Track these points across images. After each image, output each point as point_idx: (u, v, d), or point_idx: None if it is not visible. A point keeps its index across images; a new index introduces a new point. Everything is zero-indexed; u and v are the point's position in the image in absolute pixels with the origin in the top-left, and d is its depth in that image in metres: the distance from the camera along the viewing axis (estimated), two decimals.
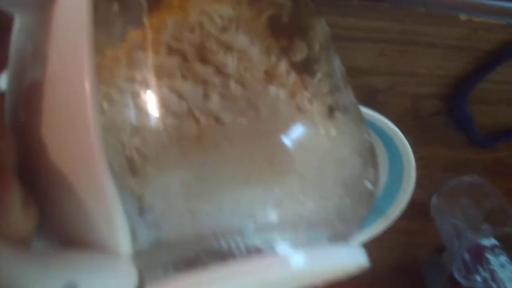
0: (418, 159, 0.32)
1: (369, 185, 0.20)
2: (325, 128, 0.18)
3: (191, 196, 0.16)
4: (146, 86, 0.16)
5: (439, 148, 0.38)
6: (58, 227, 0.15)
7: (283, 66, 0.17)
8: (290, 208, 0.17)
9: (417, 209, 0.38)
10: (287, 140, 0.17)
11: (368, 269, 0.19)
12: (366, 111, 0.28)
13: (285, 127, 0.17)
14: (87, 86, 0.13)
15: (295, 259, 0.16)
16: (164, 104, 0.16)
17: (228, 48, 0.16)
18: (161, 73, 0.16)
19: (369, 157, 0.21)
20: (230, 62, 0.16)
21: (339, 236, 0.19)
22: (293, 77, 0.18)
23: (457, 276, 0.32)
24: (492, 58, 0.34)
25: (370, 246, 0.19)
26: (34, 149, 0.14)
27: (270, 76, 0.17)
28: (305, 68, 0.19)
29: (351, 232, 0.19)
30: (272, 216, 0.17)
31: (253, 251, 0.17)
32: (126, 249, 0.15)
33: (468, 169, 0.39)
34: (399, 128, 0.31)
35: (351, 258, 0.17)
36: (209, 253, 0.17)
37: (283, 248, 0.17)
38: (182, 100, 0.16)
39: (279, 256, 0.16)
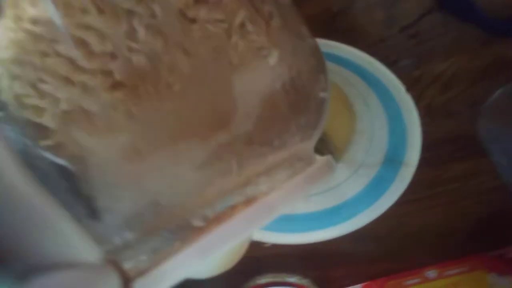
0: (431, 81, 0.29)
1: (322, 94, 0.21)
2: (267, 54, 0.18)
3: (132, 161, 0.15)
4: (57, 27, 0.13)
5: (452, 56, 0.30)
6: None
7: None
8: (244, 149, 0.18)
9: (461, 144, 0.34)
10: (231, 77, 0.16)
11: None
12: (330, 44, 0.25)
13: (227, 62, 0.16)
14: None
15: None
16: (84, 47, 0.14)
17: None
18: (71, 11, 0.13)
19: (316, 64, 0.21)
20: None
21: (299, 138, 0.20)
22: None
23: None
24: None
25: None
26: None
27: None
28: None
29: (311, 136, 0.21)
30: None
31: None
32: (93, 255, 0.14)
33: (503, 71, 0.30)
34: (383, 53, 0.27)
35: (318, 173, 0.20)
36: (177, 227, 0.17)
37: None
38: (105, 40, 0.14)
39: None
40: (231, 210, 0.18)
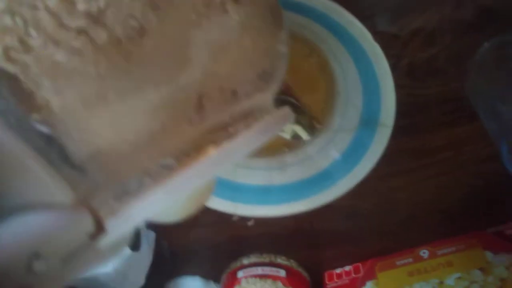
0: (411, 37, 0.27)
1: (281, 48, 0.22)
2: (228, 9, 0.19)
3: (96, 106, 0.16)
4: None
5: (432, 7, 0.28)
6: None
7: None
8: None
9: (450, 107, 0.31)
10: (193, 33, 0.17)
11: None
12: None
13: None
14: None
15: None
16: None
17: None
18: None
19: (275, 19, 0.21)
20: None
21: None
22: None
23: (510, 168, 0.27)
24: None
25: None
26: None
27: None
28: None
29: (269, 87, 0.22)
30: None
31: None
32: (66, 197, 0.15)
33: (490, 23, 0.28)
34: (357, 7, 0.25)
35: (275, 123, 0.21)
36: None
37: None
38: None
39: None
40: (197, 153, 0.19)
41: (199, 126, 0.20)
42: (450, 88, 0.32)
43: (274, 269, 0.42)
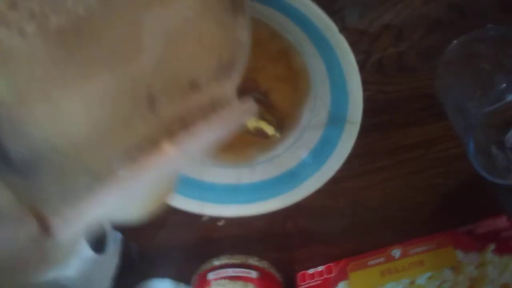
0: (380, 32, 0.26)
1: (240, 34, 0.21)
2: None
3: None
4: None
5: (401, 1, 0.28)
6: None
7: None
8: None
9: (421, 104, 0.31)
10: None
11: None
12: None
13: None
14: None
15: None
16: None
17: None
18: None
19: (235, 5, 0.20)
20: None
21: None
22: None
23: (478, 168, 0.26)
24: None
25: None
26: None
27: None
28: None
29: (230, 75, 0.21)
30: None
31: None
32: (8, 202, 0.15)
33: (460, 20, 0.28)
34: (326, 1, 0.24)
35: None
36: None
37: None
38: None
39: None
40: (151, 149, 0.18)
41: (153, 120, 0.18)
42: (420, 85, 0.31)
43: (245, 270, 0.41)
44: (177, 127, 0.19)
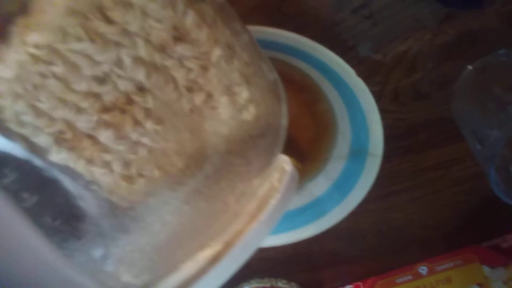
0: (394, 64, 0.27)
1: (283, 121, 0.22)
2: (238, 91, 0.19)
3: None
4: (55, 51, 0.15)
5: (412, 35, 0.29)
6: None
7: (190, 18, 0.16)
8: None
9: (438, 128, 0.32)
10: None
11: None
12: (274, 32, 0.25)
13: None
14: None
15: None
16: (76, 71, 0.15)
17: (127, 4, 0.15)
18: (67, 37, 0.15)
19: (277, 97, 0.22)
20: (132, 20, 0.15)
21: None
22: (205, 31, 0.16)
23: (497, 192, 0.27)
24: None
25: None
26: None
27: (179, 32, 0.16)
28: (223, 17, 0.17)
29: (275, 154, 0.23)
30: None
31: None
32: None
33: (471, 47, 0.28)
34: (340, 38, 0.25)
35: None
36: None
37: None
38: (95, 65, 0.16)
39: None
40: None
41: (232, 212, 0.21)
42: (435, 111, 0.32)
43: None
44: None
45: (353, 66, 0.28)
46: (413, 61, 0.30)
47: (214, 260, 0.21)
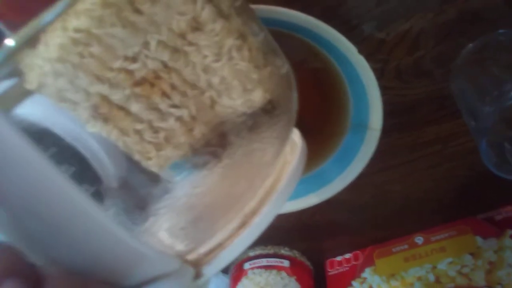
0: (397, 42, 0.28)
1: (294, 106, 0.24)
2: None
3: None
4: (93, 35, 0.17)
5: (415, 14, 0.30)
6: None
7: (208, 12, 0.18)
8: None
9: (437, 105, 0.33)
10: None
11: None
12: (279, 11, 0.26)
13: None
14: None
15: None
16: (111, 51, 0.18)
17: None
18: (103, 24, 0.17)
19: (290, 84, 0.23)
20: (158, 11, 0.18)
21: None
22: (220, 23, 0.18)
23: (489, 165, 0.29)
24: None
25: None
26: None
27: (197, 23, 0.18)
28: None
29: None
30: None
31: None
32: (176, 264, 0.18)
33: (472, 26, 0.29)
34: (344, 18, 0.27)
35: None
36: None
37: None
38: (127, 47, 0.18)
39: None
40: None
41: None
42: (436, 88, 0.33)
43: (278, 260, 0.45)
44: None
45: (356, 44, 0.29)
46: (415, 40, 0.31)
47: (241, 227, 0.23)
